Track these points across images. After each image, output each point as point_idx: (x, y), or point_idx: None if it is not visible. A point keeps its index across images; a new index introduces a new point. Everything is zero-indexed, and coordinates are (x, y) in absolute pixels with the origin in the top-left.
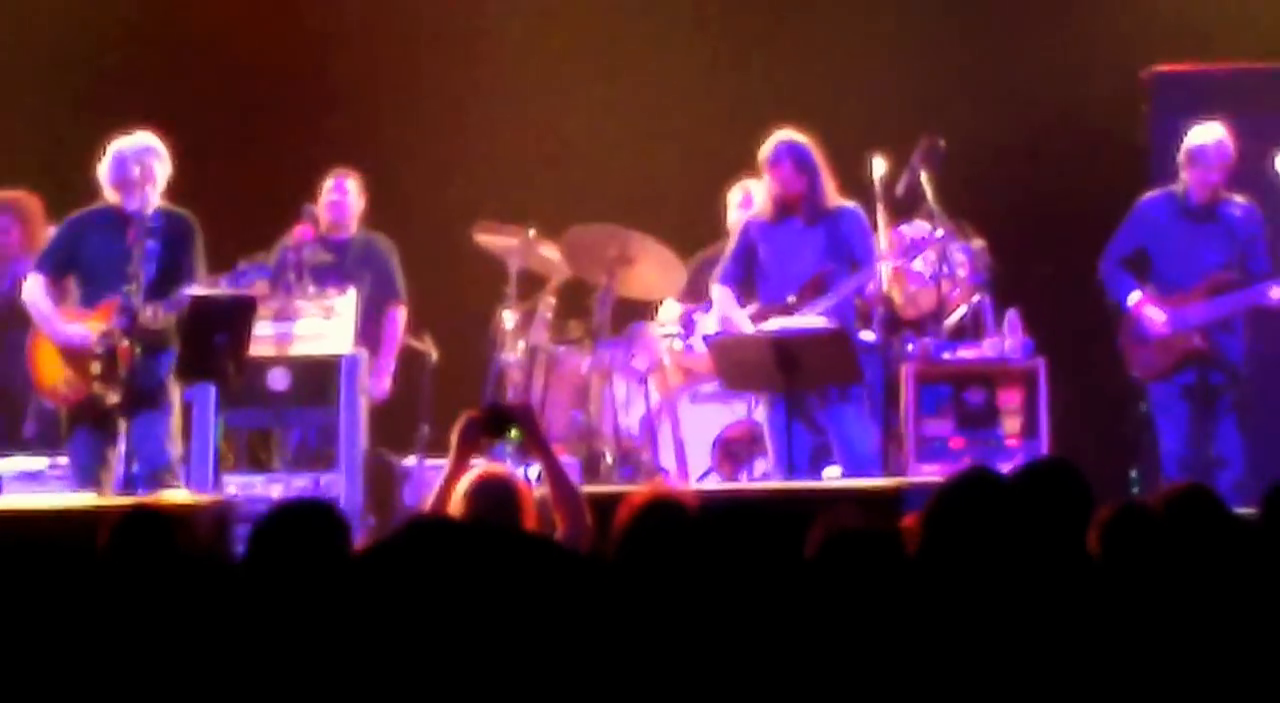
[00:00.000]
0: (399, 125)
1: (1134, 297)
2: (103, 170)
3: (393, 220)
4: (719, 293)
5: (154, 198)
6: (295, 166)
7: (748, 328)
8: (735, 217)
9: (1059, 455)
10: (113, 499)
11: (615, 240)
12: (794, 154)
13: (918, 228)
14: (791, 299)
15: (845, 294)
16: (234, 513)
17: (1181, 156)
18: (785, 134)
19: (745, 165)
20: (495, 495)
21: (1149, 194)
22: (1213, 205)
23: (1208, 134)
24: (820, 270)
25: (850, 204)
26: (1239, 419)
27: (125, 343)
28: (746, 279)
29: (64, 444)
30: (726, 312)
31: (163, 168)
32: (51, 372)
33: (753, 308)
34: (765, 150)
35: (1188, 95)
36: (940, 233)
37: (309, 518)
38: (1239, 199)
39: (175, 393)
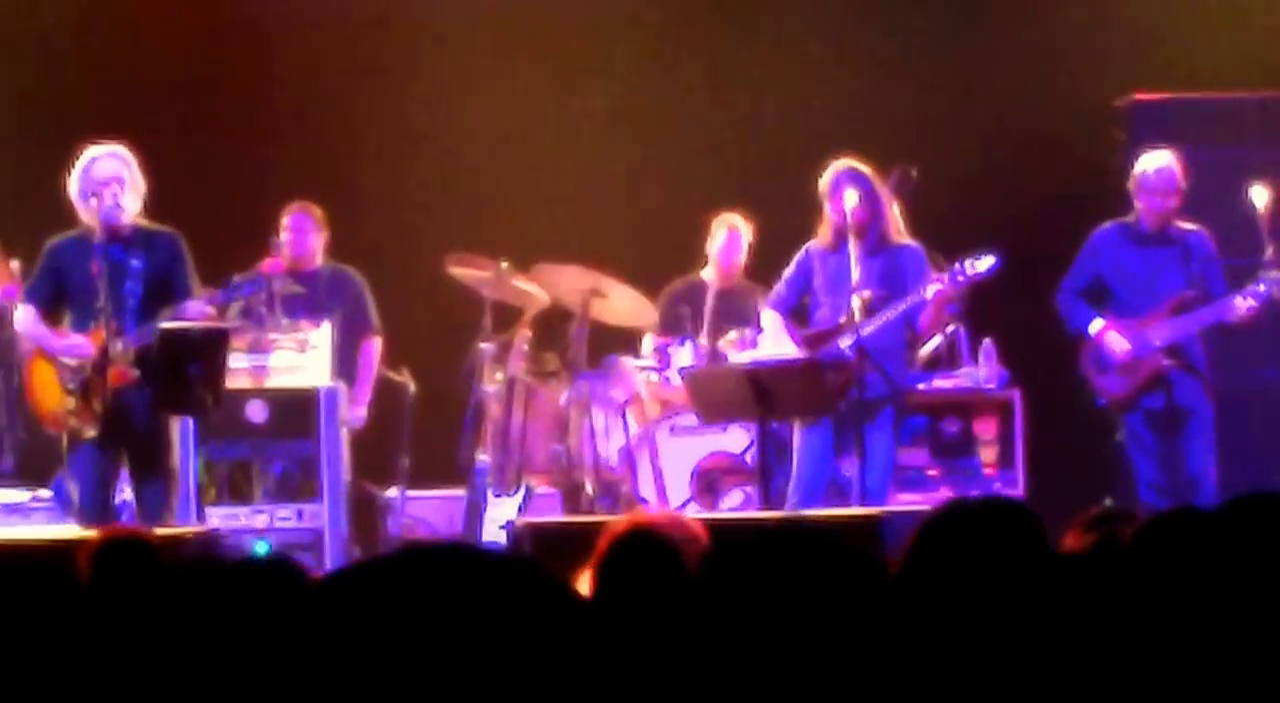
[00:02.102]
0: (366, 157)
1: (1096, 324)
2: (71, 183)
3: (365, 253)
4: (770, 318)
5: (125, 203)
6: (260, 199)
7: (788, 352)
8: (717, 249)
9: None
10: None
11: (587, 277)
12: (855, 182)
13: None
14: (844, 319)
15: (894, 318)
16: (218, 545)
17: (1130, 185)
18: (845, 162)
19: (715, 197)
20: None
21: (1102, 225)
22: (1164, 230)
23: (1151, 162)
24: (874, 296)
25: (913, 242)
26: (1208, 437)
27: (97, 377)
28: (799, 307)
29: (61, 470)
30: (773, 337)
31: (130, 174)
32: (53, 399)
33: (802, 332)
34: (825, 178)
35: (1164, 124)
36: (991, 262)
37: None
38: (1190, 225)
39: (173, 427)
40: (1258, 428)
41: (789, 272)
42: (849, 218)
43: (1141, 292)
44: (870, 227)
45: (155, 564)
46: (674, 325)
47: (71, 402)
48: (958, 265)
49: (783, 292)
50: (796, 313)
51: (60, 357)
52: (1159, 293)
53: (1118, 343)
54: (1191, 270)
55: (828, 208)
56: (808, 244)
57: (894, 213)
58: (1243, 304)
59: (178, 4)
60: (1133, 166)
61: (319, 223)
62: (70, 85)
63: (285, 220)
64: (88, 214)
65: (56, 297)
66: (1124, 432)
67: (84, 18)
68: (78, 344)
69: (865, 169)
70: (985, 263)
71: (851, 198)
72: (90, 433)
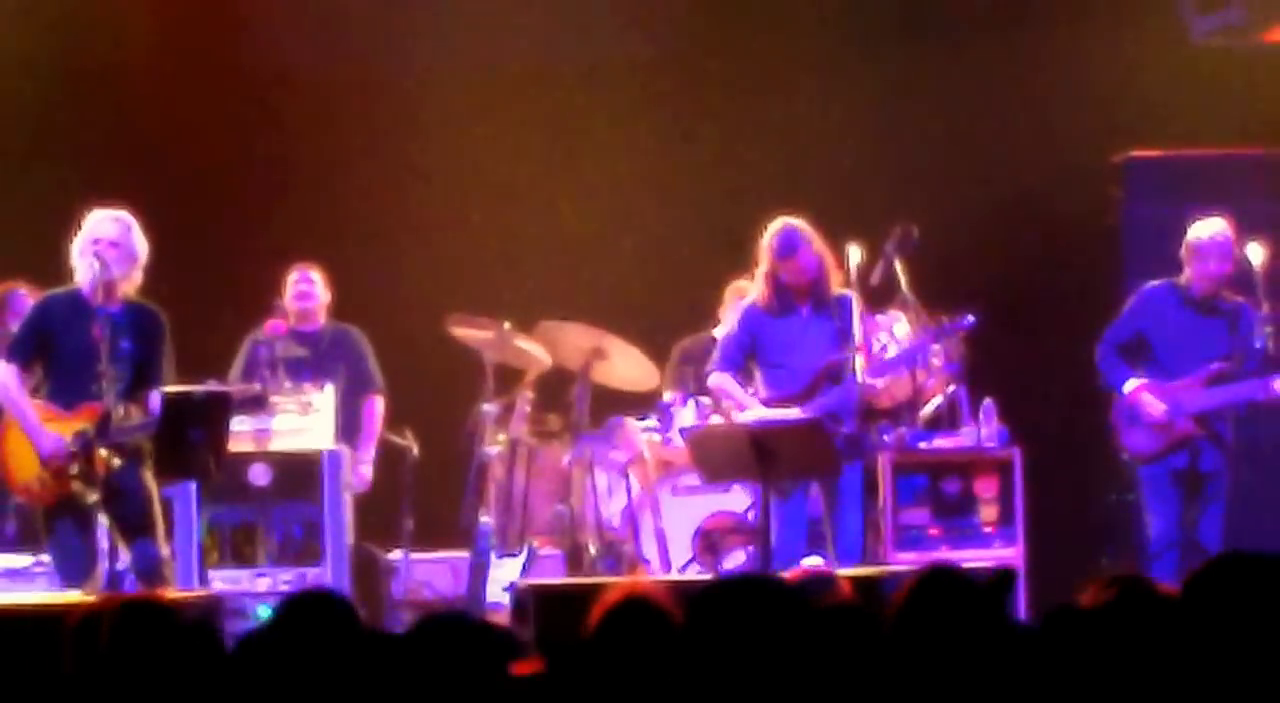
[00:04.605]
0: (368, 218)
1: (1131, 383)
2: (74, 244)
3: (367, 314)
4: (720, 380)
5: (116, 266)
6: (262, 260)
7: (758, 410)
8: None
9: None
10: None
11: (589, 336)
12: (809, 242)
13: (892, 317)
14: (802, 389)
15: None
16: (221, 608)
17: (1183, 251)
18: (791, 220)
19: (715, 255)
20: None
21: (1151, 284)
22: (1213, 299)
23: (1205, 229)
24: (833, 359)
25: (846, 292)
26: (1221, 507)
27: (101, 445)
28: (745, 366)
29: (44, 541)
30: (734, 396)
31: (127, 239)
32: (25, 469)
33: (761, 397)
34: (775, 238)
35: (1160, 182)
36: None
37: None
38: (1237, 297)
39: (155, 489)
40: (1266, 483)
41: (733, 332)
42: (854, 273)
43: (1183, 355)
44: (816, 285)
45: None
46: (680, 383)
47: (75, 467)
48: (938, 325)
49: (731, 352)
50: (743, 373)
51: (34, 440)
52: (1199, 359)
53: (1152, 404)
54: (1234, 342)
55: (776, 269)
56: (746, 304)
57: (831, 265)
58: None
59: (181, 69)
60: (1128, 223)
61: (322, 284)
62: (73, 148)
63: (289, 282)
64: (81, 275)
65: (38, 355)
66: (1141, 482)
67: (87, 82)
68: (51, 439)
69: (806, 225)
70: (964, 321)
71: (857, 254)
72: (93, 497)
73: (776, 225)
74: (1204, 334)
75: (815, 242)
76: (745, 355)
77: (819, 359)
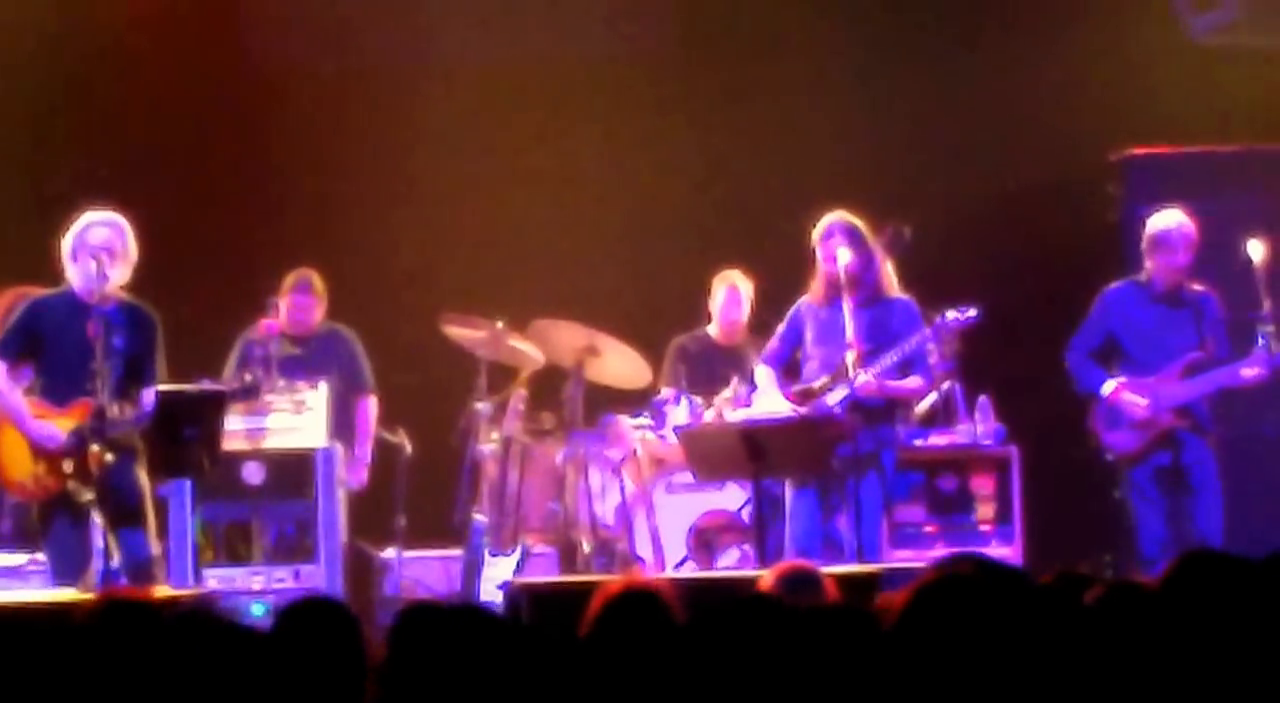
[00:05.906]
0: (360, 217)
1: (1108, 385)
2: (64, 242)
3: (360, 313)
4: (762, 372)
5: (112, 273)
6: (255, 260)
7: (781, 410)
8: (718, 306)
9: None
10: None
11: (582, 334)
12: (847, 233)
13: None
14: (825, 379)
15: (884, 371)
16: (215, 607)
17: (1145, 243)
18: (838, 214)
19: (712, 253)
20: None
21: (1112, 284)
22: (1177, 290)
23: (1168, 219)
24: (860, 350)
25: (904, 296)
26: (1214, 496)
27: (94, 441)
28: (792, 361)
29: (39, 540)
30: (764, 391)
31: (123, 245)
32: (19, 466)
33: (794, 388)
34: (818, 230)
35: (1159, 178)
36: (972, 314)
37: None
38: (1199, 287)
39: (148, 487)
40: (1257, 482)
41: (782, 327)
42: (842, 273)
43: (1153, 349)
44: (862, 280)
45: (157, 624)
46: (675, 380)
47: (70, 465)
48: (939, 318)
49: (775, 346)
50: (790, 368)
51: (26, 435)
52: (1170, 351)
53: (1133, 402)
54: (1202, 331)
55: (819, 259)
56: (800, 299)
57: (887, 266)
58: (1250, 373)
59: (178, 69)
60: (1128, 221)
61: (319, 293)
62: (65, 149)
63: (287, 285)
64: (74, 276)
65: (26, 354)
66: (1128, 486)
67: (77, 82)
68: (45, 433)
69: (858, 221)
70: (967, 314)
71: (845, 255)
72: (87, 495)
73: (828, 215)
74: (1173, 327)
75: (858, 236)
76: (792, 348)
77: (845, 355)
